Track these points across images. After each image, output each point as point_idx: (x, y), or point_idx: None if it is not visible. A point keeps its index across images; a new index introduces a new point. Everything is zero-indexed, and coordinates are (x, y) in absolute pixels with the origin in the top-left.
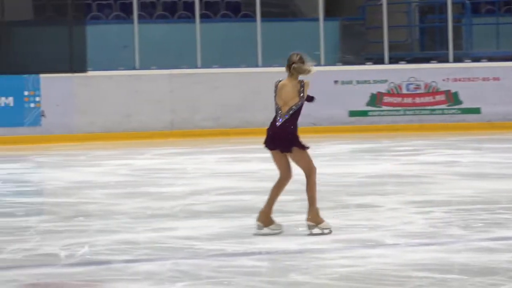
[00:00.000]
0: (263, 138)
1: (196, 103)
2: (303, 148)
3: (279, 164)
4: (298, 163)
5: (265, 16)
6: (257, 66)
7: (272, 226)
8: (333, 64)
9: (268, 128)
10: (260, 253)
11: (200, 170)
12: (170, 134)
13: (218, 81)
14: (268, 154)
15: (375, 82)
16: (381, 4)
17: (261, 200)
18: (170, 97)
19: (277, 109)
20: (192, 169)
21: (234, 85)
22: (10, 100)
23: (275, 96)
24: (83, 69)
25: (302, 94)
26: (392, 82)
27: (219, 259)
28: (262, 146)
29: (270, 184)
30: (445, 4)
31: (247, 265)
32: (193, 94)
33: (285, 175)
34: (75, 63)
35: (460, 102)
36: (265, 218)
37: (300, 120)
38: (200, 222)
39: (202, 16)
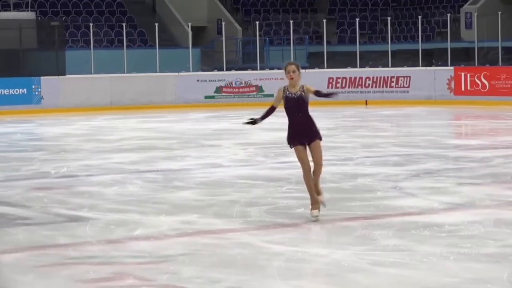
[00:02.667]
0: (156, 111)
1: (124, 93)
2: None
3: (305, 156)
4: (318, 152)
5: (161, 45)
6: (156, 72)
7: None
8: (197, 71)
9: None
10: (157, 170)
11: (126, 127)
12: (110, 108)
13: (134, 80)
14: (151, 118)
15: (219, 80)
16: (222, 40)
17: (152, 143)
18: (110, 89)
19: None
20: (122, 126)
21: (143, 82)
22: (25, 90)
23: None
24: (63, 73)
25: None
26: (227, 80)
27: (135, 174)
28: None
29: (154, 134)
30: (255, 40)
31: (149, 177)
32: (122, 87)
33: (308, 166)
34: (60, 70)
35: (263, 91)
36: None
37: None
38: (126, 154)
39: (127, 46)
